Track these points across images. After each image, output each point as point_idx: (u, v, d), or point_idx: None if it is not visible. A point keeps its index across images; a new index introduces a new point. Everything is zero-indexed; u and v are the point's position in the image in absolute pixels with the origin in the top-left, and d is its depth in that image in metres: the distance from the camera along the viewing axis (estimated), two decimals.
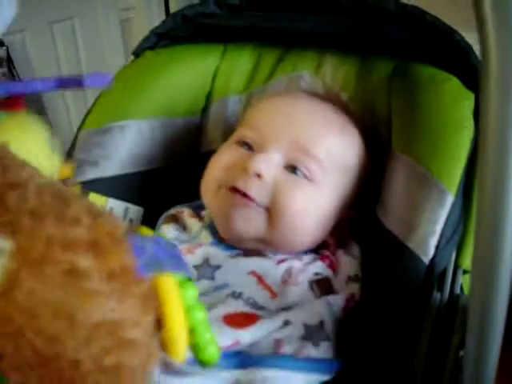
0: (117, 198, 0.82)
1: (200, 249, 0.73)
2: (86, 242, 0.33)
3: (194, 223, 0.78)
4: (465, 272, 0.68)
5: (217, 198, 0.73)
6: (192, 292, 0.36)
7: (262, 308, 0.67)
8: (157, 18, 2.13)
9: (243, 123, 0.78)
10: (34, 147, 0.47)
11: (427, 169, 0.67)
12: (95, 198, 0.79)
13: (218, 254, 0.72)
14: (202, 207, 0.80)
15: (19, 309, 0.31)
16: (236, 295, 0.67)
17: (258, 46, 0.91)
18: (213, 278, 0.69)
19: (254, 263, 0.71)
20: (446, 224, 0.65)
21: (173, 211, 0.82)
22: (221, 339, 0.60)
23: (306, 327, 0.64)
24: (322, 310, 0.66)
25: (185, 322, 0.35)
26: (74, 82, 0.44)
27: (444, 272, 0.66)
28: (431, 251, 0.65)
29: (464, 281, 0.68)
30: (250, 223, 0.70)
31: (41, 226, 0.32)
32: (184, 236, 0.78)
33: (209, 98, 0.90)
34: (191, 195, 0.79)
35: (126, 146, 0.83)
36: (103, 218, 0.35)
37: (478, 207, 0.44)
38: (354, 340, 0.66)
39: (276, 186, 0.70)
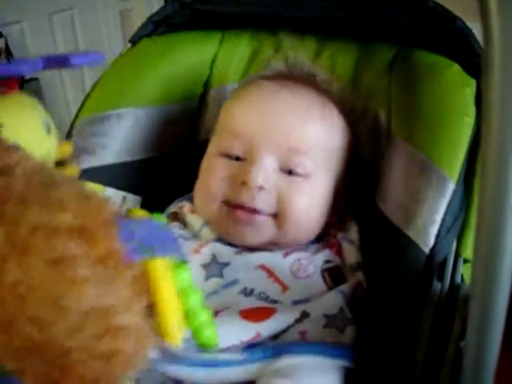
0: (114, 186, 0.81)
1: (207, 247, 0.72)
2: (73, 227, 0.32)
3: (194, 220, 0.78)
4: (465, 261, 0.68)
5: (220, 215, 0.72)
6: (186, 274, 0.36)
7: (275, 301, 0.66)
8: (156, 8, 2.12)
9: (223, 129, 0.77)
10: (28, 128, 0.47)
11: (428, 156, 0.66)
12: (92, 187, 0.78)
13: (223, 250, 0.72)
14: None
15: (8, 297, 0.31)
16: (247, 292, 0.67)
17: (257, 32, 0.90)
18: (221, 276, 0.69)
19: (261, 257, 0.71)
20: (446, 213, 0.65)
21: (173, 208, 0.81)
22: (243, 333, 0.61)
23: (327, 317, 0.64)
24: (338, 299, 0.66)
25: (179, 306, 0.35)
26: (60, 61, 0.43)
27: (444, 261, 0.65)
28: (431, 240, 0.64)
29: (465, 270, 0.67)
30: (260, 234, 0.71)
31: (26, 212, 0.32)
32: (186, 233, 0.77)
33: (207, 85, 0.90)
34: (189, 183, 0.78)
35: (124, 134, 0.82)
36: (92, 203, 0.34)
37: (480, 196, 0.43)
38: (356, 328, 0.66)
39: (278, 191, 0.70)
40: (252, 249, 0.72)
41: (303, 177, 0.71)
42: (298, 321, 0.64)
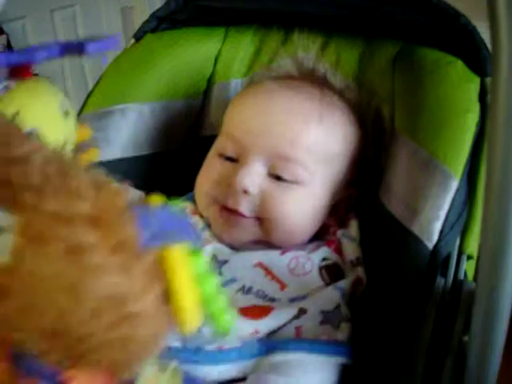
0: (118, 182, 0.81)
1: (209, 245, 0.73)
2: (89, 216, 0.32)
3: (197, 221, 0.78)
4: (469, 258, 0.68)
5: (210, 213, 0.74)
6: (202, 260, 0.35)
7: (273, 300, 0.67)
8: (158, 5, 2.12)
9: (222, 129, 0.77)
10: (45, 114, 0.46)
11: (432, 152, 0.66)
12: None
13: (223, 249, 0.72)
14: None
15: (28, 284, 0.31)
16: (245, 290, 0.67)
17: (260, 28, 0.90)
18: (220, 274, 0.69)
19: (259, 255, 0.71)
20: (450, 209, 0.65)
21: None
22: (241, 330, 0.61)
23: (324, 313, 0.64)
24: (336, 295, 0.66)
25: (196, 293, 0.35)
26: (77, 47, 0.43)
27: (448, 257, 0.65)
28: (435, 236, 0.64)
29: (468, 267, 0.67)
30: (245, 232, 0.72)
31: (43, 201, 0.32)
32: None
33: (210, 81, 0.90)
34: (193, 179, 0.78)
35: (127, 129, 0.83)
36: (107, 190, 0.34)
37: (485, 192, 0.44)
38: (357, 324, 0.66)
39: (263, 196, 0.71)
40: (250, 247, 0.72)
41: (292, 183, 0.71)
42: (296, 317, 0.64)
